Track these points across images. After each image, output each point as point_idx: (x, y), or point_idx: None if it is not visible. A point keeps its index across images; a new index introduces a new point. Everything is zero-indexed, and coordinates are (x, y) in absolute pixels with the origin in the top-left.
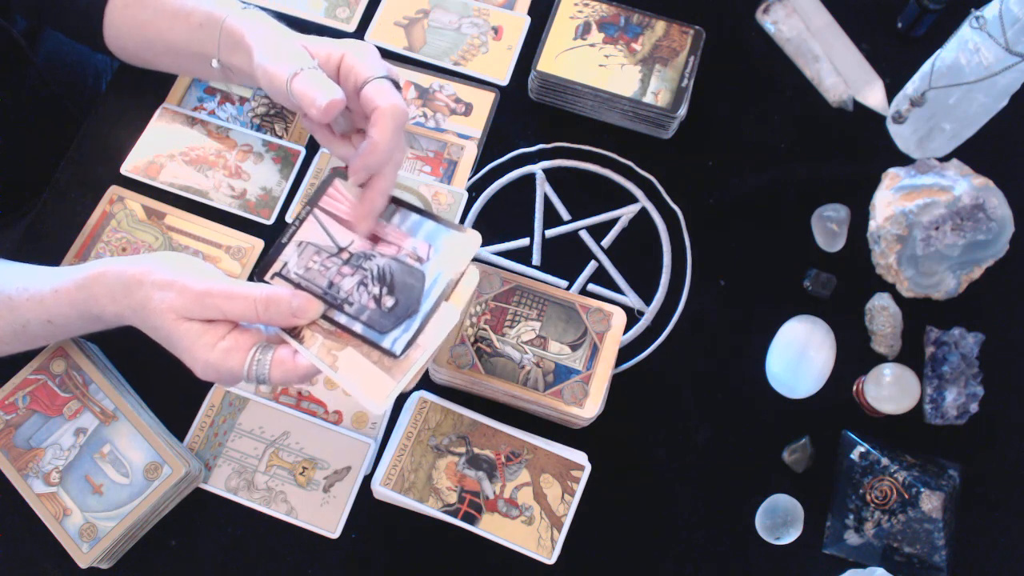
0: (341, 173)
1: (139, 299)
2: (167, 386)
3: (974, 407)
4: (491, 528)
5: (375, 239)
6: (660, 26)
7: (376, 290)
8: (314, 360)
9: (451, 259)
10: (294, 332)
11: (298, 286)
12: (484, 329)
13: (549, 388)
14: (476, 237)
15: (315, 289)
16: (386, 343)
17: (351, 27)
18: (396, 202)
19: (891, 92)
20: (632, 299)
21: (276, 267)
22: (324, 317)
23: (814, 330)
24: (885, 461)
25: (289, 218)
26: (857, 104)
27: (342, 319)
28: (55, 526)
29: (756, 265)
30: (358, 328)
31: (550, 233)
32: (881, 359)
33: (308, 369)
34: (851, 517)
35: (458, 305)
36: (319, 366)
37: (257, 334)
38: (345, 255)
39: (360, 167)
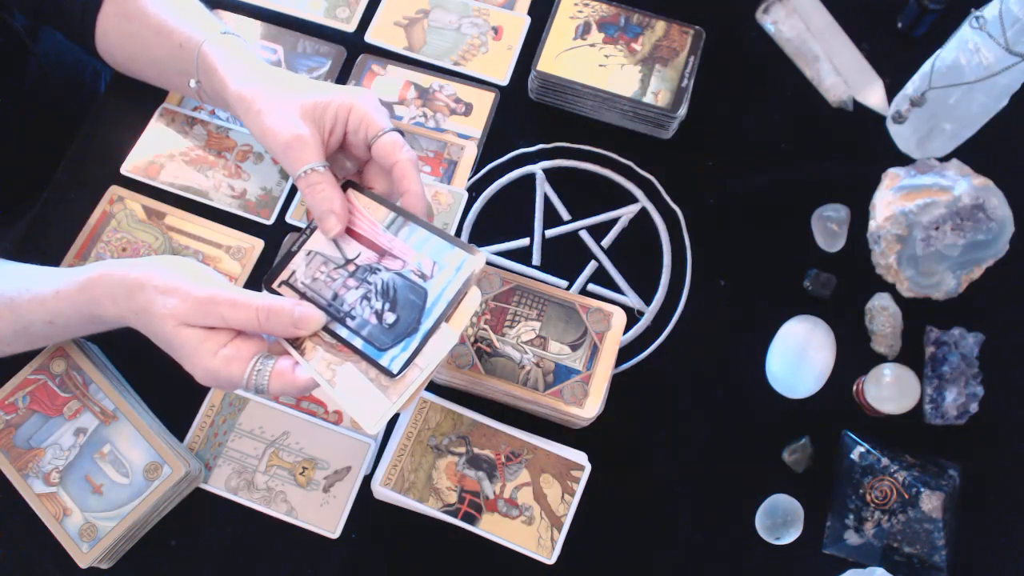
0: (353, 184)
1: (141, 303)
2: (167, 386)
3: (974, 407)
4: (491, 528)
5: (381, 252)
6: (660, 26)
7: (379, 305)
8: (313, 374)
9: (454, 278)
10: (296, 343)
11: (304, 296)
12: (484, 329)
13: (549, 388)
14: (481, 257)
15: (319, 300)
16: (384, 360)
17: (351, 27)
18: (405, 215)
19: (891, 92)
20: (632, 299)
21: (284, 275)
22: (326, 329)
23: (814, 330)
24: (885, 461)
25: (289, 218)
26: (857, 104)
27: (343, 332)
28: (55, 526)
29: (756, 265)
30: (358, 343)
31: (550, 233)
32: (881, 359)
33: (307, 382)
34: (851, 517)
35: (457, 328)
36: (318, 380)
37: (259, 343)
38: (351, 267)
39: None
